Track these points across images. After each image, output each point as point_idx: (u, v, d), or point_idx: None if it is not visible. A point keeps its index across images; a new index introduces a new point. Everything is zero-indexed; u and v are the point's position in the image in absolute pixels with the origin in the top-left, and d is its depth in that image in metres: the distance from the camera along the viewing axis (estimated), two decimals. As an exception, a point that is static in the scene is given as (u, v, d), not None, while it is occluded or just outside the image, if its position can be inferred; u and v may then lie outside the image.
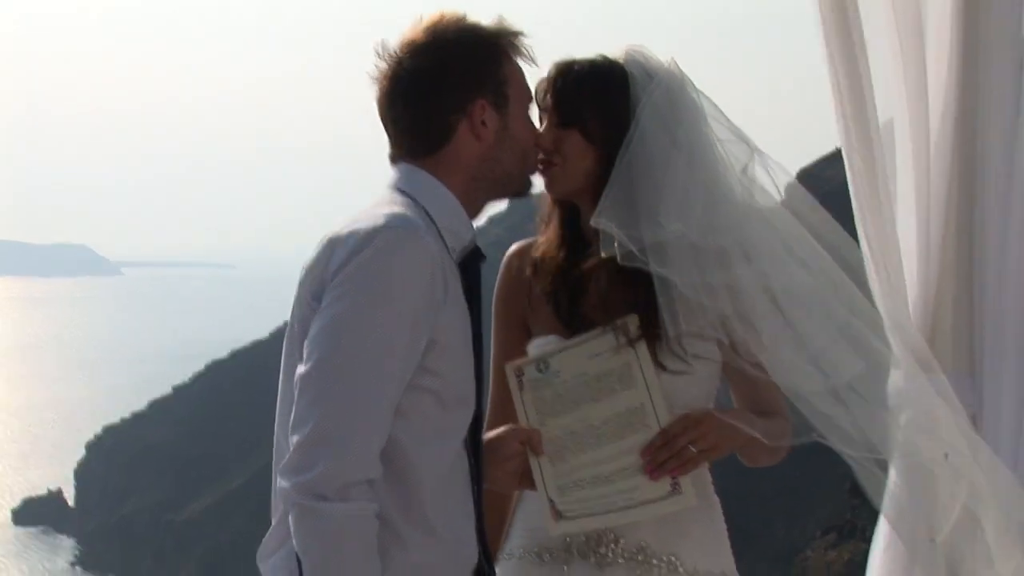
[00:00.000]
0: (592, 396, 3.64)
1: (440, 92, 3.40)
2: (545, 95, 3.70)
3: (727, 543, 3.78)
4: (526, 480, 3.67)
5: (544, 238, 3.90)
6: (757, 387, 3.72)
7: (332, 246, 3.26)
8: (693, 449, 3.53)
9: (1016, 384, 4.00)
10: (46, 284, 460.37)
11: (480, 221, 3.52)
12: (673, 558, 3.60)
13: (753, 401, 3.74)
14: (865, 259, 3.88)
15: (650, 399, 3.59)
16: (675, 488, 3.54)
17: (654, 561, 3.60)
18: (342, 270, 3.18)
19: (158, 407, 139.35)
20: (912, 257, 4.17)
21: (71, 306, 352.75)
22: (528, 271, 3.90)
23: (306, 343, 3.21)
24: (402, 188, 3.41)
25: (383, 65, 3.43)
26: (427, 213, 3.34)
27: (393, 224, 3.22)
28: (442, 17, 3.42)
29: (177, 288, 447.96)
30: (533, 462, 3.62)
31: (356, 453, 3.13)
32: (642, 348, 3.60)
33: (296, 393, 3.20)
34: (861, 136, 4.15)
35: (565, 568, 3.66)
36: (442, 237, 3.37)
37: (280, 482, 3.17)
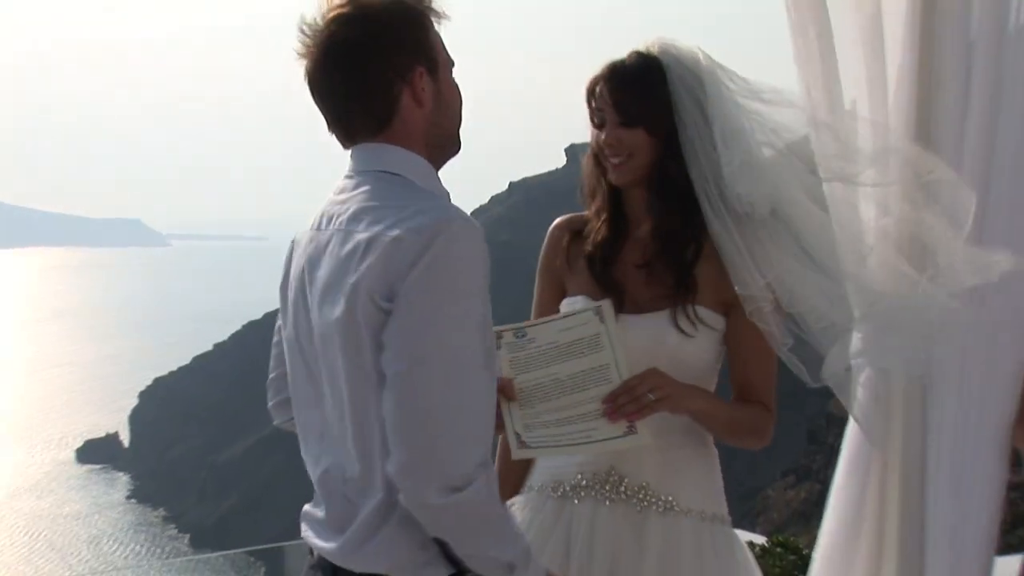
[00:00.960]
0: (562, 359, 3.54)
1: (381, 61, 3.03)
2: (598, 95, 3.59)
3: (721, 489, 3.73)
4: (497, 425, 3.49)
5: (590, 212, 3.80)
6: (749, 373, 3.65)
7: (396, 245, 2.87)
8: (651, 396, 3.42)
9: (963, 355, 3.98)
10: (102, 253, 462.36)
11: (483, 199, 3.35)
12: (670, 498, 3.56)
13: (743, 386, 3.67)
14: (835, 230, 3.84)
15: (615, 360, 3.49)
16: (631, 429, 3.44)
17: (653, 499, 3.56)
18: (415, 267, 2.84)
19: (201, 361, 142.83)
20: (871, 231, 4.13)
21: (125, 273, 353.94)
22: (566, 239, 3.83)
23: (393, 341, 2.87)
24: (389, 170, 3.08)
25: (309, 40, 3.06)
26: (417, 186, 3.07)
27: (450, 215, 2.91)
28: None
29: (217, 257, 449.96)
30: (504, 406, 3.51)
31: (483, 438, 2.92)
32: (611, 323, 3.50)
33: (395, 392, 2.87)
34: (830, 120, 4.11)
35: (576, 502, 3.60)
36: None
37: (403, 481, 2.87)
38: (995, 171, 4.12)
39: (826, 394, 3.94)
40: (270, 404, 3.59)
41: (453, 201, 3.10)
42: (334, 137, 3.20)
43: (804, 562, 4.61)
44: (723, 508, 3.68)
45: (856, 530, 4.29)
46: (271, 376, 3.57)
